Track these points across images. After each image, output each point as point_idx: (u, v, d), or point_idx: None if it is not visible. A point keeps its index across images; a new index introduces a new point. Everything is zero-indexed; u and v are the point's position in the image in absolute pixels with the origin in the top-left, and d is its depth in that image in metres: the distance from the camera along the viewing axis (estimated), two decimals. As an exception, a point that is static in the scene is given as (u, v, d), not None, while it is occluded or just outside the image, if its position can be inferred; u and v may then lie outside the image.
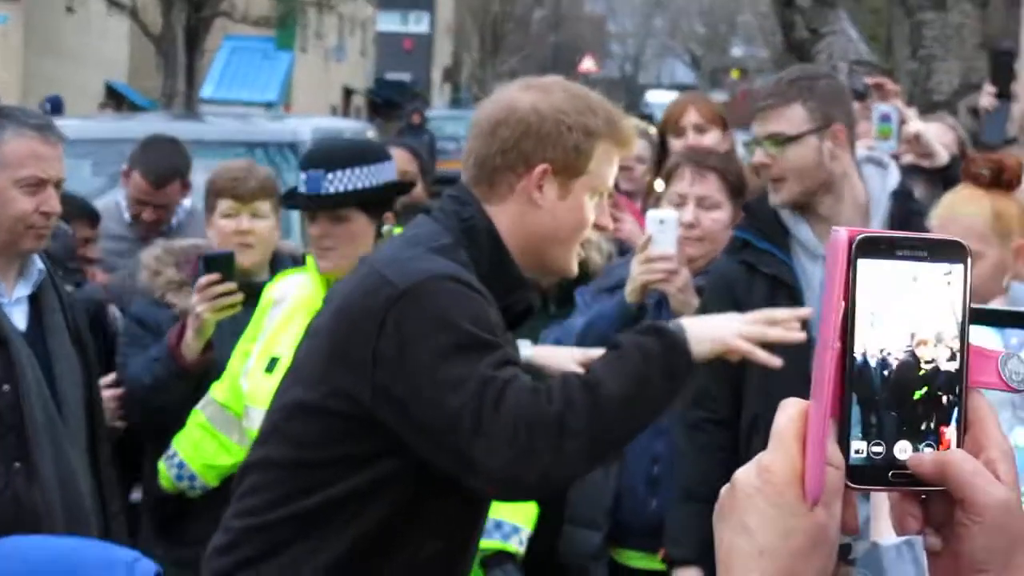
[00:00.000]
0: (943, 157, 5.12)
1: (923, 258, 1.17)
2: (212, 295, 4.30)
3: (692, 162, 4.39)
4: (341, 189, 4.02)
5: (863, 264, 1.16)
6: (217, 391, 4.23)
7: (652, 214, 4.26)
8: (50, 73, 26.74)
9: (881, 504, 1.29)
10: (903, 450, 1.17)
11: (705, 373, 4.03)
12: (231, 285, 4.31)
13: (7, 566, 1.93)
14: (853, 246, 1.16)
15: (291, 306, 4.10)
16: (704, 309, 4.08)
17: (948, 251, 1.17)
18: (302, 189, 4.08)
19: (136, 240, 5.82)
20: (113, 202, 6.19)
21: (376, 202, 4.08)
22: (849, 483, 1.17)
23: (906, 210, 3.98)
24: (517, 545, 4.08)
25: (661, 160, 5.09)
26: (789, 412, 1.20)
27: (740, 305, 3.99)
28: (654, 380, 2.86)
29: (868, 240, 1.16)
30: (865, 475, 1.17)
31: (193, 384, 4.33)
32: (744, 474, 1.20)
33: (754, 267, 3.97)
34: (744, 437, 4.03)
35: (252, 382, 4.06)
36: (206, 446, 4.22)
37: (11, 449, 3.62)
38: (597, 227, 3.07)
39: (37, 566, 1.95)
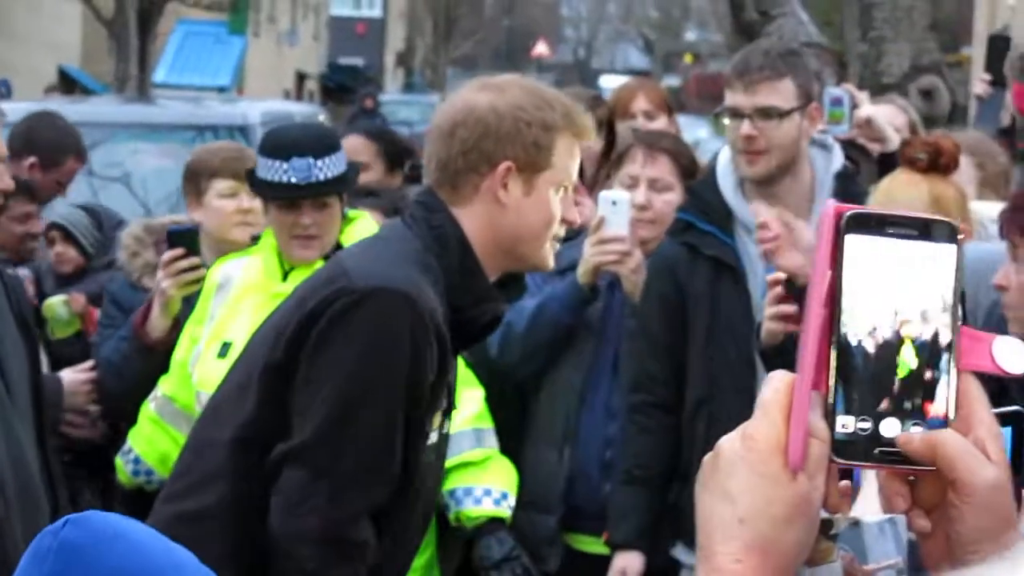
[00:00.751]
0: (894, 142, 5.13)
1: (913, 236, 1.16)
2: (176, 270, 4.29)
3: (644, 144, 4.39)
4: (330, 175, 4.01)
5: (851, 239, 1.16)
6: (163, 384, 4.21)
7: (604, 195, 4.27)
8: (1, 57, 26.50)
9: (869, 479, 1.29)
10: (890, 427, 1.16)
11: (648, 357, 4.06)
12: (195, 260, 4.31)
13: (137, 560, 1.94)
14: (842, 221, 1.15)
15: (238, 290, 4.08)
16: (647, 291, 4.11)
17: (939, 231, 1.17)
18: (285, 178, 4.00)
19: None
20: None
21: (347, 188, 4.12)
22: (834, 457, 1.17)
23: (849, 192, 3.99)
24: (507, 510, 4.07)
25: (610, 145, 5.10)
26: (776, 383, 1.20)
27: (682, 287, 4.00)
28: None
29: (858, 216, 1.16)
30: (851, 450, 1.17)
31: (159, 362, 4.29)
32: (728, 442, 1.20)
33: (696, 249, 3.96)
34: (687, 422, 4.03)
35: (203, 368, 4.03)
36: (158, 440, 4.21)
37: None
38: (564, 221, 3.07)
39: (157, 563, 1.96)
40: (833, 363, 1.16)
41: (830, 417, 1.17)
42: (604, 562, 4.21)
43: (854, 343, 1.16)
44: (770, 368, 3.75)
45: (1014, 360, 1.18)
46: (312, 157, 3.99)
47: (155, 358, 4.31)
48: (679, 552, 4.09)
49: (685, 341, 4.03)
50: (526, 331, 4.29)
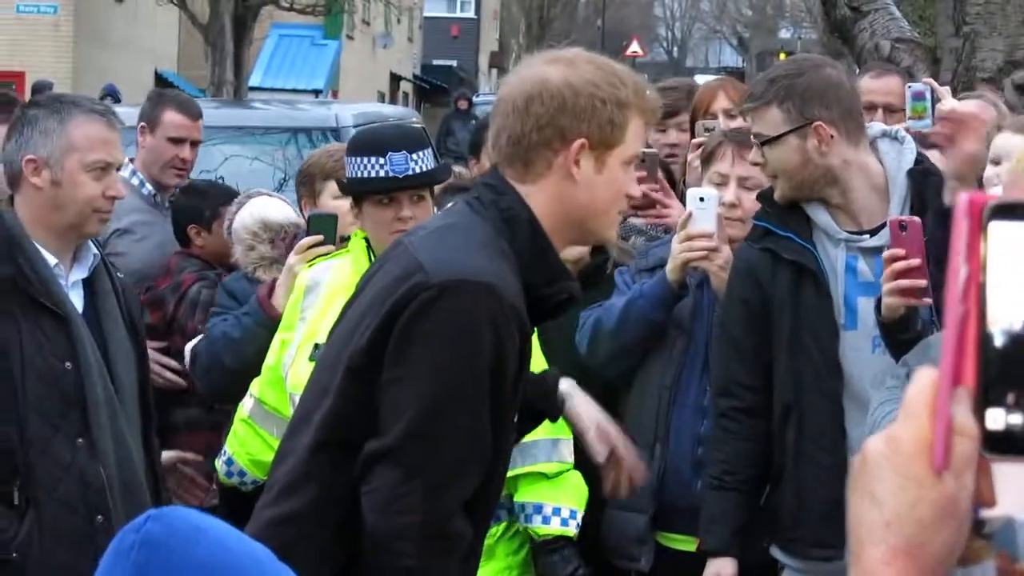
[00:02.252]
0: None
1: None
2: (312, 255, 4.37)
3: (735, 142, 4.36)
4: (426, 168, 4.06)
5: (995, 227, 1.13)
6: (255, 387, 4.25)
7: (692, 192, 4.26)
8: (101, 63, 26.90)
9: (1003, 475, 1.24)
10: None
11: (732, 361, 4.04)
12: (331, 248, 4.40)
13: (219, 554, 1.97)
14: (986, 210, 1.13)
15: (328, 292, 4.11)
16: (729, 296, 4.09)
17: None
18: (383, 172, 4.05)
19: (163, 209, 5.67)
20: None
21: (440, 181, 4.19)
22: (987, 452, 1.14)
23: (924, 184, 3.95)
24: (575, 529, 4.10)
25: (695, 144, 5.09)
26: (921, 380, 1.17)
27: (765, 291, 3.98)
28: None
29: (1003, 204, 1.13)
30: (1003, 444, 1.13)
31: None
32: (873, 444, 1.18)
33: (776, 254, 3.94)
34: (778, 427, 4.01)
35: (296, 370, 4.06)
36: (250, 442, 4.25)
37: (74, 426, 3.68)
38: (626, 197, 3.06)
39: (237, 556, 1.99)
40: (980, 355, 1.13)
41: (978, 412, 1.14)
42: (696, 560, 4.19)
43: (1003, 333, 1.13)
44: (891, 342, 3.76)
45: None
46: (407, 152, 4.05)
47: (273, 333, 4.33)
48: (776, 552, 4.07)
49: (770, 345, 4.01)
50: (615, 329, 4.28)
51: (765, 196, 4.05)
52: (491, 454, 2.94)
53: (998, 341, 1.13)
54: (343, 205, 4.59)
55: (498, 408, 2.92)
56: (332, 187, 4.66)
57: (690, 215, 4.18)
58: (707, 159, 4.42)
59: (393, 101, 39.01)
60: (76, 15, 27.13)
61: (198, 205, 5.45)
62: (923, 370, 1.18)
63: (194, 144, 5.72)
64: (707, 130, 4.89)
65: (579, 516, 4.10)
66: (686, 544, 4.29)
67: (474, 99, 30.12)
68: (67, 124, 3.82)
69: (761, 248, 3.98)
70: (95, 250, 3.93)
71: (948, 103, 4.99)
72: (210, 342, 4.61)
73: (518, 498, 4.10)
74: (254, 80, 27.91)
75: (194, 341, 4.76)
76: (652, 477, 4.24)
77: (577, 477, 4.14)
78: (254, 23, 24.60)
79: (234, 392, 4.39)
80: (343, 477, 2.95)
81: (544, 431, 4.04)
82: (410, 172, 4.04)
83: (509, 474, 3.99)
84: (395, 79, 44.67)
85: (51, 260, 3.77)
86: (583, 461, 4.14)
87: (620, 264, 4.59)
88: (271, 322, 4.39)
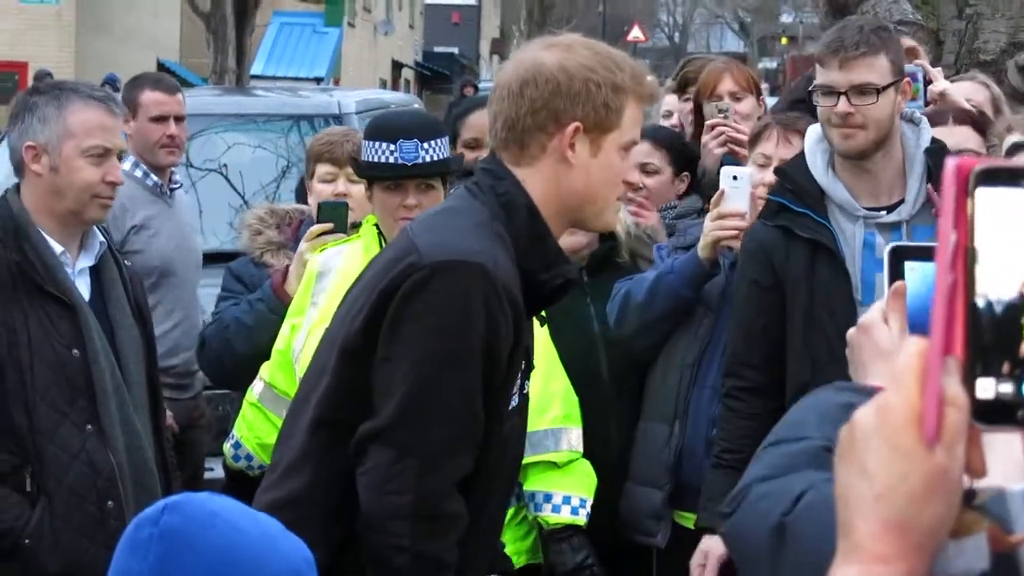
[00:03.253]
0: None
1: None
2: (322, 243, 4.39)
3: (781, 125, 4.37)
4: (437, 158, 4.07)
5: (982, 194, 1.10)
6: (264, 371, 4.26)
7: (726, 170, 4.26)
8: (103, 52, 26.91)
9: (994, 445, 1.23)
10: None
11: (739, 341, 4.04)
12: (341, 236, 4.41)
13: (233, 537, 2.00)
14: (971, 176, 1.10)
15: (339, 277, 4.12)
16: (740, 276, 4.08)
17: None
18: (392, 159, 4.07)
19: (167, 197, 5.65)
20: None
21: (450, 171, 4.19)
22: (977, 422, 1.12)
23: (941, 166, 3.96)
24: (584, 518, 4.11)
25: (698, 125, 5.09)
26: (909, 350, 1.15)
27: (778, 271, 3.98)
28: None
29: (988, 170, 1.10)
30: (993, 414, 1.12)
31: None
32: (863, 414, 1.16)
33: (791, 231, 3.93)
34: (791, 405, 4.00)
35: (307, 356, 4.02)
36: (259, 426, 4.25)
37: (82, 412, 3.70)
38: (625, 183, 3.09)
39: (250, 537, 2.02)
40: (968, 324, 1.11)
41: (968, 382, 1.12)
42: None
43: (991, 302, 1.10)
44: None
45: None
46: (419, 140, 4.06)
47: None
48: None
49: (782, 325, 4.01)
50: (644, 302, 4.29)
51: (783, 172, 4.05)
52: (484, 434, 2.95)
53: (987, 309, 1.11)
54: (325, 189, 4.68)
55: (492, 389, 2.93)
56: (320, 170, 4.72)
57: (723, 193, 4.17)
58: (753, 140, 4.42)
59: (395, 88, 38.98)
60: (78, 5, 27.13)
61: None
62: (912, 339, 1.16)
63: (178, 119, 5.66)
64: (720, 111, 4.92)
65: (588, 505, 4.11)
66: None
67: (479, 85, 30.14)
68: (65, 110, 3.82)
69: (775, 225, 3.97)
70: (101, 238, 3.93)
71: (940, 84, 5.00)
72: (221, 327, 4.62)
73: (528, 487, 4.11)
74: (256, 68, 27.90)
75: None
76: (670, 454, 4.28)
77: (586, 465, 4.16)
78: (256, 11, 24.59)
79: (242, 379, 4.40)
80: (340, 458, 2.97)
81: (554, 420, 4.07)
82: (419, 160, 4.06)
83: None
84: (396, 66, 44.63)
85: (57, 248, 3.78)
86: (590, 450, 4.17)
87: (632, 251, 4.60)
88: (285, 309, 4.40)
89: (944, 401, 1.12)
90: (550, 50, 2.99)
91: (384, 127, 4.17)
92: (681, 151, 5.01)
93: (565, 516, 4.08)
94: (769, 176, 4.23)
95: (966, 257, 1.10)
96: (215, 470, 5.37)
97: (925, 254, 1.99)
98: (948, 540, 1.15)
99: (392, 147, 4.06)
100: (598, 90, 2.94)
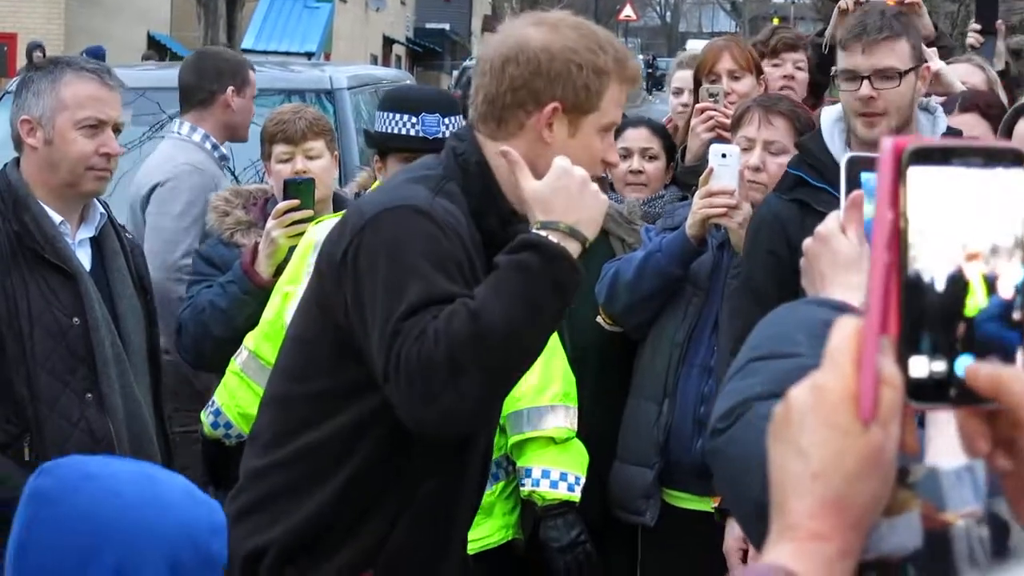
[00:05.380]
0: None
1: (978, 165, 1.10)
2: (289, 220, 4.41)
3: (762, 107, 4.38)
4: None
5: (914, 173, 1.10)
6: (250, 339, 4.27)
7: (715, 148, 4.27)
8: (93, 25, 26.82)
9: (937, 423, 1.26)
10: (966, 366, 1.11)
11: (755, 311, 4.05)
12: (308, 212, 4.43)
13: (106, 501, 1.97)
14: (904, 155, 1.10)
15: None
16: (754, 246, 4.04)
17: (1005, 157, 1.11)
18: (414, 131, 4.10)
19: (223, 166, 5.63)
20: (180, 159, 5.48)
21: None
22: (910, 401, 1.13)
23: None
24: (578, 495, 4.16)
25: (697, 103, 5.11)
26: (844, 329, 1.15)
27: (792, 245, 3.97)
28: (539, 298, 2.81)
29: (920, 149, 1.10)
30: (927, 392, 1.12)
31: (262, 305, 4.33)
32: (797, 393, 1.16)
33: (808, 205, 3.90)
34: None
35: None
36: (241, 395, 4.26)
37: (83, 381, 3.74)
38: (605, 163, 3.07)
39: (129, 501, 1.99)
40: (902, 303, 1.11)
41: (902, 361, 1.12)
42: (698, 517, 4.26)
43: (924, 281, 1.11)
44: None
45: None
46: (440, 115, 4.11)
47: (261, 300, 4.36)
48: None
49: (795, 296, 4.02)
50: (632, 280, 4.31)
51: (804, 146, 4.04)
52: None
53: (920, 288, 1.11)
54: (284, 169, 4.68)
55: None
56: (277, 150, 4.72)
57: (712, 171, 4.19)
58: (735, 124, 4.43)
59: (386, 64, 38.93)
60: (68, -24, 27.04)
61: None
62: (845, 318, 1.16)
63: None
64: (711, 95, 4.93)
65: (582, 482, 4.16)
66: (688, 502, 4.35)
67: (466, 62, 30.09)
68: (58, 84, 3.84)
69: (791, 199, 3.96)
70: (101, 209, 3.96)
71: (935, 64, 5.04)
72: (197, 311, 4.61)
73: (524, 462, 4.14)
74: (247, 43, 27.84)
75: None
76: (659, 433, 4.31)
77: (580, 445, 4.20)
78: (247, -15, 24.57)
79: (222, 362, 4.41)
80: (322, 422, 2.99)
81: (554, 398, 4.12)
82: (440, 135, 4.10)
83: (516, 439, 4.07)
84: (388, 42, 44.55)
85: (56, 219, 3.81)
86: (581, 428, 4.22)
87: (605, 229, 4.64)
88: (258, 289, 4.43)
89: (879, 380, 1.12)
90: (536, 28, 2.99)
91: (407, 100, 4.21)
92: (671, 142, 5.09)
93: (562, 492, 4.13)
94: (753, 159, 4.25)
95: (899, 236, 1.11)
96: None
97: None
98: (882, 518, 1.16)
99: (415, 119, 4.11)
100: (579, 71, 2.94)
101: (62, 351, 3.72)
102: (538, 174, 2.93)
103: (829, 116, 4.07)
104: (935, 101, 4.26)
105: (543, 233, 2.83)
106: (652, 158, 4.99)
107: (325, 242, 3.06)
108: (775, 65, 5.25)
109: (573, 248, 2.84)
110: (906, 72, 3.92)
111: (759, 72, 5.13)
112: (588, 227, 2.88)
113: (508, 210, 3.01)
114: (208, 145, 5.53)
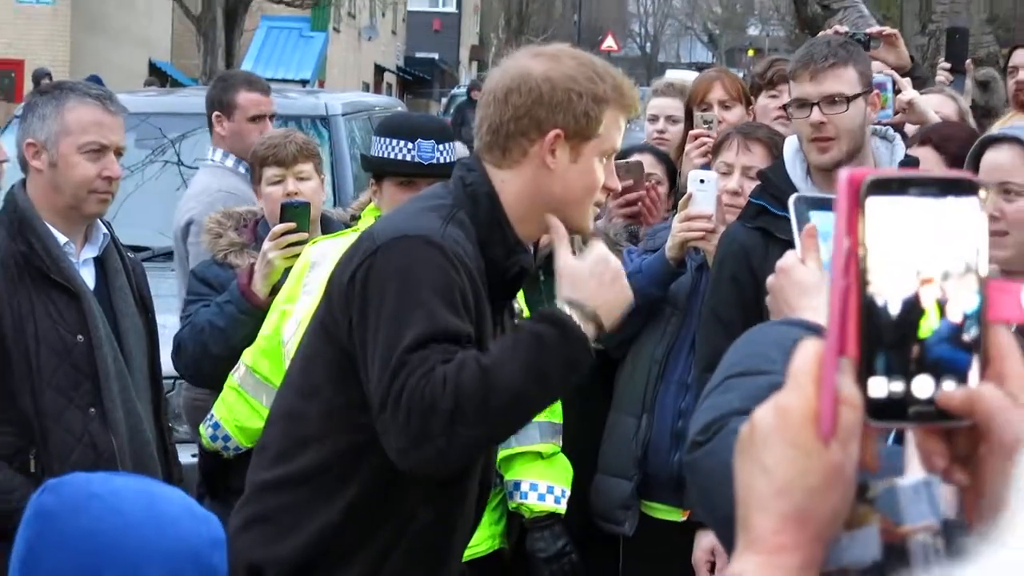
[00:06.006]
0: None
1: (933, 195, 1.14)
2: (284, 243, 4.46)
3: (741, 134, 4.45)
4: (449, 159, 4.15)
5: (872, 203, 1.14)
6: (247, 355, 4.31)
7: (693, 174, 4.35)
8: (97, 51, 26.93)
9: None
10: (923, 386, 1.15)
11: (722, 339, 4.17)
12: (303, 235, 4.47)
13: (108, 520, 1.99)
14: (863, 186, 1.14)
15: (331, 269, 4.27)
16: (719, 274, 4.11)
17: (959, 187, 1.15)
18: (409, 156, 4.16)
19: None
20: (214, 187, 5.64)
21: None
22: (870, 420, 1.16)
23: None
24: (564, 508, 4.26)
25: (689, 132, 5.12)
26: (806, 351, 1.19)
27: (755, 272, 3.92)
28: (551, 371, 2.89)
29: (878, 180, 1.15)
30: (885, 412, 1.16)
31: (258, 324, 4.38)
32: (762, 413, 1.19)
33: (771, 234, 3.95)
34: None
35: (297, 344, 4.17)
36: (238, 408, 4.30)
37: (86, 396, 3.79)
38: (605, 189, 3.15)
39: (131, 520, 2.00)
40: (861, 326, 1.14)
41: (861, 381, 1.15)
42: (674, 528, 4.36)
43: (880, 305, 1.14)
44: None
45: None
46: (435, 141, 4.18)
47: (258, 320, 4.40)
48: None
49: (759, 321, 4.13)
50: None
51: (766, 176, 4.12)
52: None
53: (877, 312, 1.15)
54: (275, 192, 4.75)
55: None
56: (268, 173, 4.78)
57: (690, 196, 4.27)
58: (715, 149, 4.51)
59: (377, 91, 39.05)
60: (73, 4, 27.15)
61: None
62: (807, 341, 1.19)
63: (271, 119, 5.78)
64: (706, 122, 4.98)
65: (567, 495, 4.26)
66: (665, 513, 4.44)
67: (454, 91, 30.12)
68: (62, 108, 3.90)
69: (754, 227, 4.04)
70: (104, 230, 4.02)
71: (908, 94, 5.16)
72: (195, 331, 4.63)
73: (513, 476, 4.24)
74: (244, 69, 27.94)
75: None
76: (637, 446, 4.40)
77: (565, 459, 4.31)
78: (244, 15, 24.68)
79: (221, 380, 4.44)
80: (329, 438, 3.07)
81: (541, 414, 4.26)
82: (434, 160, 4.17)
83: (504, 453, 4.15)
84: (379, 70, 44.70)
85: (61, 239, 3.87)
86: (564, 441, 4.32)
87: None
88: (254, 309, 4.47)
89: (839, 400, 1.16)
90: (537, 59, 3.08)
91: (403, 126, 4.27)
92: (674, 167, 5.12)
93: (549, 505, 4.22)
94: (732, 183, 4.35)
95: (858, 264, 1.15)
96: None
97: (826, 204, 2.15)
98: (842, 532, 1.19)
99: (411, 145, 4.17)
100: (579, 100, 3.02)
101: (67, 368, 3.77)
102: (542, 199, 3.06)
103: (791, 146, 4.14)
104: (909, 128, 4.37)
105: (568, 311, 2.93)
106: (656, 184, 5.02)
107: (336, 264, 3.14)
108: (772, 96, 5.23)
109: (591, 332, 2.93)
110: (854, 97, 3.99)
111: (748, 103, 5.20)
112: (609, 316, 2.97)
113: (513, 240, 3.08)
114: (241, 169, 5.62)
